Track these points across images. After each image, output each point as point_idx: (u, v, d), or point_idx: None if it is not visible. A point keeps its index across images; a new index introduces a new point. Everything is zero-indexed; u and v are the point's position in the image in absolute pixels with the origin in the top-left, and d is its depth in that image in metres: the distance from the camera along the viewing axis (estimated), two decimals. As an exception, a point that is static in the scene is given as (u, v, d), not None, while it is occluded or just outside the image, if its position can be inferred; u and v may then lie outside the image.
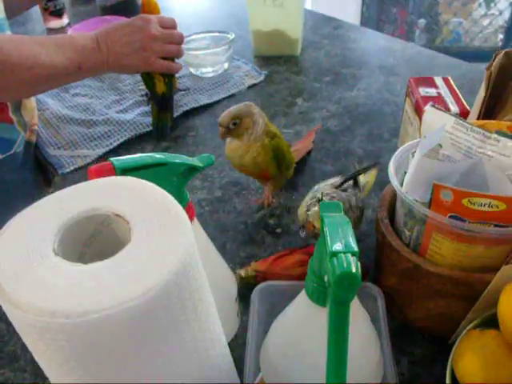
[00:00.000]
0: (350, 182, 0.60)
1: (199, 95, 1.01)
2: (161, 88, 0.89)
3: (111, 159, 0.40)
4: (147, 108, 0.96)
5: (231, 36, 1.06)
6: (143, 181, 0.36)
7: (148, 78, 0.90)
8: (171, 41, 0.87)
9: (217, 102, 0.99)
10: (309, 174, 0.78)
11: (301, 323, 0.38)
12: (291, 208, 0.73)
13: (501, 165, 0.47)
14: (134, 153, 0.84)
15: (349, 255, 0.28)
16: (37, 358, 0.32)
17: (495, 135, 0.47)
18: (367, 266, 0.60)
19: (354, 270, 0.27)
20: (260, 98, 1.00)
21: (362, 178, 0.63)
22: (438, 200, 0.45)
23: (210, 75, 1.07)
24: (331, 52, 1.14)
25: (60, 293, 0.29)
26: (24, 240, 0.32)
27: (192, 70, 1.08)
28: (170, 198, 0.34)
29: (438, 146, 0.52)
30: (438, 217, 0.46)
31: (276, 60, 1.12)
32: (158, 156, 0.42)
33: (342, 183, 0.58)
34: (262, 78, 1.05)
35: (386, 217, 0.54)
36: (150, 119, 0.93)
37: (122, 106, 0.99)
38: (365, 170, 0.62)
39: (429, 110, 0.52)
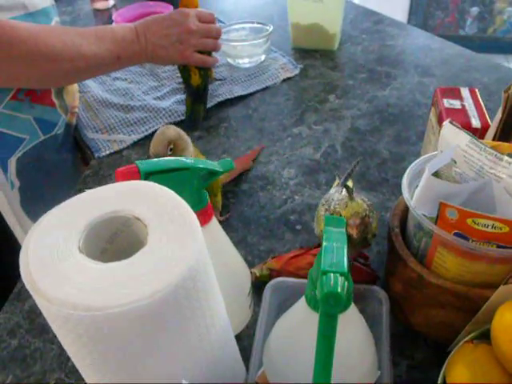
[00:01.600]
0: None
1: (234, 86, 1.03)
2: (196, 81, 0.93)
3: (137, 162, 0.43)
4: (183, 96, 1.00)
5: (270, 28, 1.07)
6: (163, 187, 0.40)
7: (184, 70, 0.93)
8: (208, 35, 0.90)
9: (251, 94, 1.02)
10: (332, 172, 0.80)
11: (299, 326, 0.41)
12: (312, 205, 0.75)
13: (510, 187, 0.48)
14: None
15: (337, 275, 0.31)
16: (60, 340, 0.37)
17: (507, 158, 0.48)
18: (377, 271, 0.62)
19: (339, 290, 0.30)
20: (293, 92, 1.02)
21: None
22: (444, 217, 0.47)
23: (247, 66, 1.09)
24: (369, 48, 1.14)
25: (81, 288, 0.33)
26: (53, 237, 0.36)
27: (229, 60, 1.10)
28: (185, 206, 0.38)
29: (452, 162, 0.53)
30: (443, 233, 0.48)
31: (313, 54, 1.13)
32: (179, 160, 0.45)
33: (343, 186, 0.60)
34: (297, 71, 1.07)
35: (397, 226, 0.56)
36: (184, 108, 0.96)
37: (160, 92, 1.03)
38: (352, 171, 0.63)
39: (446, 125, 0.53)
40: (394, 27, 1.23)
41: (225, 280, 0.53)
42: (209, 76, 0.97)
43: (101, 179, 0.83)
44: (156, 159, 0.45)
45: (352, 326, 0.41)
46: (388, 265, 0.60)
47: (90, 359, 0.36)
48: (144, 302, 0.32)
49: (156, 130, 0.91)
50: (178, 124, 0.94)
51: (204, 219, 0.49)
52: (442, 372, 0.47)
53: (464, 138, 0.51)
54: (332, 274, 0.31)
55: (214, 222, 0.51)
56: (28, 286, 0.33)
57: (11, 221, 0.84)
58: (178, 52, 0.88)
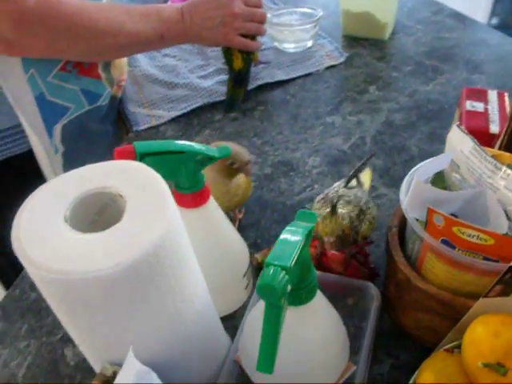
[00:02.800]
0: (354, 180, 0.62)
1: (277, 70, 1.04)
2: (238, 64, 0.94)
3: (134, 143, 0.46)
4: (226, 77, 1.02)
5: (319, 14, 1.07)
6: (149, 168, 0.42)
7: (227, 53, 0.95)
8: (253, 19, 0.92)
9: (292, 80, 1.02)
10: (355, 164, 0.80)
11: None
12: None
13: (505, 199, 0.47)
14: (204, 119, 0.92)
15: (278, 269, 0.32)
16: (46, 300, 0.41)
17: (506, 168, 0.47)
18: (378, 269, 0.63)
19: (274, 284, 0.31)
20: (334, 80, 1.01)
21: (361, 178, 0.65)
22: (432, 223, 0.47)
23: (292, 51, 1.09)
24: (421, 39, 1.11)
25: (57, 254, 0.36)
26: (44, 207, 0.39)
27: (276, 43, 1.11)
28: (163, 187, 0.40)
29: (456, 166, 0.53)
30: (430, 239, 0.47)
31: (362, 42, 1.12)
32: (176, 144, 0.48)
33: (348, 182, 0.60)
34: (342, 59, 1.06)
35: (396, 226, 0.56)
36: (225, 88, 0.98)
37: (205, 71, 1.06)
38: (364, 165, 0.63)
39: (454, 129, 0.52)
40: (452, 19, 1.18)
41: (218, 260, 0.56)
42: (252, 60, 0.98)
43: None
44: (153, 141, 0.47)
45: (315, 318, 0.43)
46: (386, 265, 0.60)
47: (65, 318, 0.41)
48: (105, 272, 0.35)
49: (194, 109, 0.95)
50: (217, 103, 0.97)
51: (199, 201, 0.51)
52: (413, 376, 0.48)
53: (468, 143, 0.50)
54: (273, 267, 0.32)
55: (212, 204, 0.53)
56: (16, 250, 0.37)
57: None
58: (221, 34, 0.90)
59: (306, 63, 1.06)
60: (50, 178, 0.91)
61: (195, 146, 0.48)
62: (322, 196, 0.57)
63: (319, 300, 0.42)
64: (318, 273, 0.58)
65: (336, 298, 0.60)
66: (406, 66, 1.03)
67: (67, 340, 0.61)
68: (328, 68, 1.05)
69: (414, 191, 0.48)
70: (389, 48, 1.10)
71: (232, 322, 0.60)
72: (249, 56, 0.96)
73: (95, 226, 0.43)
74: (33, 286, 0.67)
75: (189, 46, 1.15)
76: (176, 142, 0.48)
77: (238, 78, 0.96)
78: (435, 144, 0.83)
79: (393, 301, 0.57)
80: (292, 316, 0.40)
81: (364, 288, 0.58)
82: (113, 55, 0.89)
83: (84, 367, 0.58)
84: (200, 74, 1.05)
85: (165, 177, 0.49)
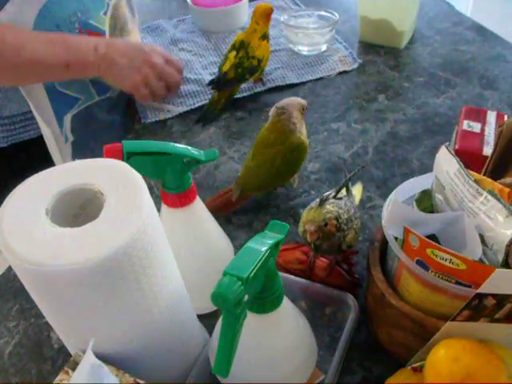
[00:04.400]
0: (343, 191, 0.62)
1: (289, 72, 1.04)
2: (230, 74, 0.93)
3: (123, 142, 0.48)
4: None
5: (336, 18, 1.07)
6: (131, 168, 0.44)
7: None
8: (166, 79, 0.90)
9: (302, 83, 1.03)
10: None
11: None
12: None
13: (484, 225, 0.47)
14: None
15: (234, 279, 0.33)
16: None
17: (487, 194, 0.47)
18: (362, 279, 0.63)
19: (227, 294, 0.32)
20: (345, 86, 1.01)
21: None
22: (408, 242, 0.47)
23: (306, 54, 1.09)
24: (437, 50, 1.10)
25: (34, 245, 0.38)
26: (28, 200, 0.41)
27: (291, 45, 1.11)
28: (141, 187, 0.42)
29: (442, 187, 0.53)
30: (405, 258, 0.48)
31: (377, 49, 1.11)
32: (163, 145, 0.49)
33: (337, 192, 0.61)
34: (355, 66, 1.06)
35: (378, 240, 0.56)
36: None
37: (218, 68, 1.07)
38: (353, 175, 0.63)
39: (442, 150, 0.52)
40: (472, 31, 1.16)
41: (202, 258, 0.57)
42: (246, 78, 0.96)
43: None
44: (142, 141, 0.49)
45: (281, 326, 0.44)
46: (366, 277, 0.61)
47: (40, 305, 0.42)
48: (76, 267, 0.37)
49: (202, 105, 0.96)
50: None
51: (185, 201, 0.53)
52: (379, 390, 0.49)
53: (454, 165, 0.51)
54: (229, 277, 0.33)
55: (198, 204, 0.55)
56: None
57: None
58: (131, 78, 0.85)
59: (319, 67, 1.06)
60: (59, 165, 0.94)
61: (182, 148, 0.50)
62: (313, 203, 0.58)
63: (285, 308, 0.43)
64: (300, 280, 0.59)
65: (315, 306, 0.61)
66: (418, 77, 1.03)
67: (53, 324, 0.63)
68: (340, 73, 1.05)
69: (392, 210, 0.49)
70: (404, 57, 1.09)
71: (213, 320, 0.61)
72: (245, 73, 0.94)
73: (77, 219, 0.45)
74: (27, 268, 0.70)
75: (206, 41, 1.16)
76: (164, 143, 0.49)
77: (225, 86, 0.95)
78: (437, 159, 0.83)
79: (371, 314, 0.58)
80: (256, 323, 0.41)
81: (343, 299, 0.59)
82: (9, 79, 0.81)
83: (67, 351, 0.60)
84: (213, 71, 1.06)
85: (151, 176, 0.51)
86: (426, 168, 0.81)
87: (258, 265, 0.36)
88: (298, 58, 1.09)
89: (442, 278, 0.47)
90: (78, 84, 0.88)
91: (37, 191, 0.42)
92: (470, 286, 0.46)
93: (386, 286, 0.52)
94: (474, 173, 0.50)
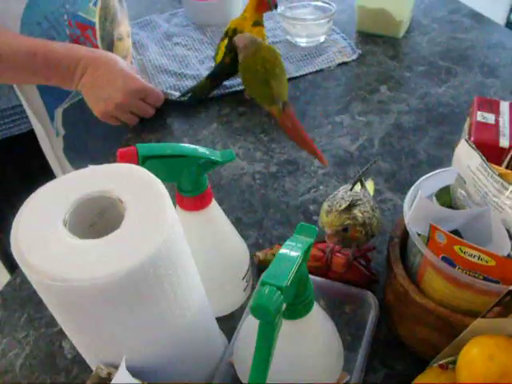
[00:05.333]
0: (358, 185, 0.61)
1: (288, 64, 1.03)
2: (227, 59, 0.93)
3: (137, 145, 0.46)
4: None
5: (333, 9, 1.05)
6: (151, 174, 0.42)
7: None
8: (137, 111, 0.88)
9: (302, 75, 1.01)
10: (361, 166, 0.79)
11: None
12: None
13: (510, 219, 0.46)
14: (211, 113, 0.91)
15: (274, 289, 0.32)
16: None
17: (512, 188, 0.46)
18: (378, 275, 0.63)
19: (268, 305, 0.31)
20: (345, 77, 1.00)
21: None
22: (434, 240, 0.46)
23: (304, 45, 1.08)
24: (436, 39, 1.09)
25: (53, 259, 0.36)
26: (43, 210, 0.39)
27: (288, 37, 1.09)
28: (163, 196, 0.40)
29: (462, 181, 0.52)
30: (430, 255, 0.47)
31: (376, 39, 1.10)
32: (179, 147, 0.47)
33: (353, 186, 0.60)
34: (354, 57, 1.04)
35: (398, 236, 0.56)
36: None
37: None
38: (367, 169, 0.62)
39: (462, 143, 0.51)
40: (469, 18, 1.15)
41: (218, 262, 0.56)
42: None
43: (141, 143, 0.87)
44: (156, 144, 0.47)
45: (311, 332, 0.43)
46: (386, 273, 0.60)
47: (61, 320, 0.41)
48: (101, 281, 0.35)
49: (202, 102, 0.94)
50: (225, 97, 0.96)
51: (201, 204, 0.51)
52: (407, 390, 0.48)
53: (476, 159, 0.50)
54: (268, 287, 0.32)
55: (214, 207, 0.53)
56: (15, 253, 0.37)
57: (54, 165, 0.92)
58: (100, 108, 0.84)
59: (318, 59, 1.04)
60: (50, 159, 0.92)
61: (198, 149, 0.48)
62: (331, 196, 0.57)
63: (315, 313, 0.42)
64: (318, 279, 0.58)
65: (334, 305, 0.60)
66: (418, 66, 1.02)
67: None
68: (340, 65, 1.03)
69: (417, 207, 0.48)
70: (402, 46, 1.08)
71: (230, 323, 0.60)
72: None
73: (94, 228, 0.43)
74: (34, 276, 0.68)
75: (201, 35, 1.14)
76: (179, 145, 0.48)
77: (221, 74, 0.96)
78: (444, 149, 0.82)
79: (391, 310, 0.57)
80: (287, 329, 0.40)
81: (363, 296, 0.58)
82: None
83: (81, 361, 0.58)
84: (210, 65, 1.04)
85: (167, 180, 0.49)
86: (434, 159, 0.81)
87: (294, 272, 0.34)
88: (297, 49, 1.07)
89: (468, 275, 0.46)
90: None
91: (52, 200, 0.40)
92: (498, 282, 0.45)
93: (408, 282, 0.51)
94: (498, 166, 0.49)
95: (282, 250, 0.36)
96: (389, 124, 0.88)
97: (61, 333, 0.62)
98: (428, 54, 1.05)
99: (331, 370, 0.46)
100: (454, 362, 0.48)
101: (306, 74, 1.01)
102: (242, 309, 0.62)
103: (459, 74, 0.99)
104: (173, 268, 0.40)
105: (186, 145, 0.48)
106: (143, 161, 0.46)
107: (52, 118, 0.87)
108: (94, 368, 0.48)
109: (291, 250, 0.36)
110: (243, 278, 0.59)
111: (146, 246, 0.36)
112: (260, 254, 0.65)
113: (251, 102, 0.95)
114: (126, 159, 0.45)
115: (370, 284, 0.61)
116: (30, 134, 0.89)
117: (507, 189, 0.47)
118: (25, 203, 0.40)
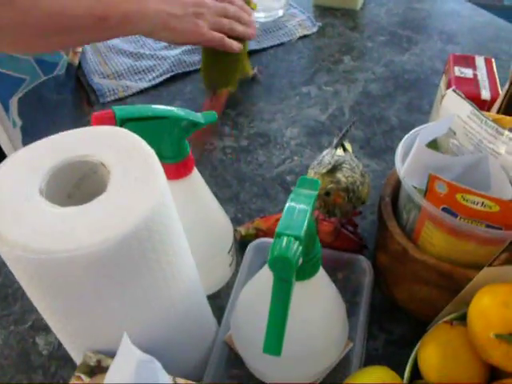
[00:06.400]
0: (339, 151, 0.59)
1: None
2: None
3: (113, 107, 0.42)
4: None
5: (289, -18, 1.03)
6: (133, 134, 0.38)
7: None
8: (227, 15, 0.77)
9: (264, 50, 0.98)
10: (334, 135, 0.77)
11: (263, 290, 0.40)
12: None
13: (507, 164, 0.45)
14: (174, 91, 0.86)
15: (291, 239, 0.29)
16: (19, 282, 0.36)
17: (508, 133, 0.45)
18: (366, 240, 0.61)
19: (288, 255, 0.28)
20: (308, 50, 0.98)
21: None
22: (433, 190, 0.45)
23: (262, 20, 1.05)
24: (393, 10, 1.09)
25: (34, 230, 0.32)
26: (16, 178, 0.35)
27: (246, 12, 1.06)
28: (151, 155, 0.36)
29: (452, 132, 0.50)
30: (431, 207, 0.45)
31: (333, 12, 1.08)
32: (159, 109, 0.43)
33: (336, 148, 0.57)
34: (315, 29, 1.02)
35: (388, 195, 0.54)
36: (193, 58, 0.93)
37: (171, 41, 1.00)
38: (347, 131, 0.60)
39: (449, 94, 0.50)
40: (423, -11, 1.16)
41: (203, 235, 0.52)
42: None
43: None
44: (133, 106, 0.43)
45: (319, 294, 0.40)
46: (377, 235, 0.58)
47: (44, 302, 0.36)
48: (91, 250, 0.31)
49: (164, 80, 0.89)
50: (187, 74, 0.92)
51: (184, 171, 0.48)
52: (414, 350, 0.46)
53: (466, 108, 0.48)
54: (285, 238, 0.29)
55: (196, 175, 0.50)
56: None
57: None
58: (193, 25, 0.72)
59: (278, 33, 1.01)
60: (10, 154, 0.85)
61: (179, 111, 0.44)
62: (316, 162, 0.54)
63: (321, 274, 0.40)
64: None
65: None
66: (379, 36, 1.01)
67: (38, 328, 0.56)
68: (300, 38, 1.01)
69: (415, 157, 0.46)
70: (361, 18, 1.07)
71: (217, 302, 0.56)
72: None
73: (72, 200, 0.39)
74: (-4, 271, 0.62)
75: (153, 14, 1.08)
76: (159, 106, 0.44)
77: None
78: (414, 114, 0.81)
79: (385, 273, 0.55)
80: (296, 292, 0.37)
81: (355, 261, 0.56)
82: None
83: (58, 356, 0.54)
84: (166, 45, 0.99)
85: (147, 146, 0.45)
86: (406, 124, 0.80)
87: (307, 223, 0.31)
88: (256, 25, 1.04)
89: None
90: (21, 63, 0.79)
91: (24, 169, 0.35)
92: (500, 229, 0.44)
93: (406, 240, 0.49)
94: (490, 113, 0.48)
95: (290, 204, 0.33)
96: (357, 92, 0.86)
97: (33, 328, 0.56)
98: (387, 25, 1.04)
99: (340, 337, 0.44)
100: (458, 318, 0.47)
101: (268, 48, 0.98)
102: (227, 287, 0.59)
103: (420, 42, 0.99)
104: (166, 234, 0.36)
105: (165, 106, 0.44)
106: (121, 124, 0.41)
107: (7, 109, 0.80)
108: (76, 358, 0.44)
109: (299, 203, 0.33)
110: (228, 252, 0.56)
111: (138, 209, 0.33)
112: (242, 229, 0.62)
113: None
114: (101, 123, 0.41)
115: (360, 250, 0.59)
116: None
117: (502, 134, 0.45)
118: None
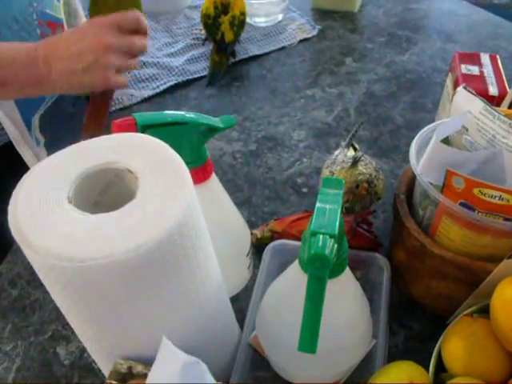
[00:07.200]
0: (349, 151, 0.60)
1: (250, 45, 1.00)
2: (229, 37, 0.93)
3: (134, 114, 0.42)
4: (196, 53, 0.98)
5: (288, -14, 1.04)
6: (157, 140, 0.38)
7: (214, 27, 0.92)
8: (131, 51, 0.68)
9: (266, 54, 0.99)
10: (343, 136, 0.78)
11: (291, 289, 0.40)
12: (320, 169, 0.73)
13: (522, 157, 0.46)
14: (179, 98, 0.87)
15: (327, 237, 0.30)
16: (49, 291, 0.36)
17: (521, 127, 0.46)
18: (380, 238, 0.61)
19: (326, 252, 0.29)
20: (309, 53, 0.99)
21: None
22: (451, 186, 0.45)
23: (263, 25, 1.06)
24: (391, 11, 1.10)
25: (66, 238, 0.32)
26: (43, 187, 0.35)
27: (247, 18, 1.07)
28: (177, 160, 0.37)
29: (464, 129, 0.51)
30: (448, 202, 0.46)
31: (332, 15, 1.09)
32: (179, 115, 0.44)
33: (348, 146, 0.58)
34: (315, 32, 1.03)
35: (403, 192, 0.54)
36: (197, 66, 0.94)
37: (173, 48, 1.01)
38: (356, 131, 0.60)
39: (460, 91, 0.51)
40: (419, -11, 1.17)
41: (223, 239, 0.52)
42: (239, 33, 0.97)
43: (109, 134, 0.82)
44: (153, 113, 0.43)
45: (346, 292, 0.40)
46: (392, 233, 0.58)
47: (74, 310, 0.36)
48: (127, 255, 0.31)
49: (168, 88, 0.90)
50: (190, 82, 0.93)
51: (203, 176, 0.48)
52: (438, 344, 0.46)
53: (478, 104, 0.49)
54: (321, 236, 0.29)
55: (214, 179, 0.50)
56: (15, 235, 0.32)
57: None
58: (98, 75, 0.65)
59: (279, 37, 1.02)
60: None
61: (198, 116, 0.45)
62: (329, 161, 0.54)
63: (348, 272, 0.40)
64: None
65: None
66: (379, 37, 1.02)
67: (59, 337, 0.56)
68: (301, 41, 1.02)
69: (431, 153, 0.46)
70: (360, 20, 1.08)
71: (237, 304, 0.57)
72: (239, 28, 0.95)
73: (99, 207, 0.39)
74: (13, 283, 0.62)
75: (155, 23, 1.09)
76: (178, 112, 0.44)
77: (228, 50, 0.95)
78: (419, 113, 0.82)
79: (401, 270, 0.56)
80: (326, 290, 0.37)
81: (372, 260, 0.57)
82: None
83: (81, 365, 0.54)
84: (169, 51, 1.00)
85: (167, 151, 0.45)
86: (411, 123, 0.80)
87: (338, 221, 0.32)
88: (256, 30, 1.05)
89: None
90: None
91: (51, 177, 0.36)
92: (518, 222, 0.45)
93: (424, 236, 0.50)
94: (503, 108, 0.48)
95: (319, 204, 0.34)
96: (361, 93, 0.87)
97: (53, 338, 0.56)
98: (386, 26, 1.05)
99: (366, 333, 0.44)
100: (477, 311, 0.47)
101: (269, 53, 0.99)
102: (246, 290, 0.59)
103: (419, 41, 1.00)
104: (196, 238, 0.36)
105: (184, 112, 0.45)
106: (142, 131, 0.42)
107: (29, 128, 0.79)
108: (103, 367, 0.44)
109: (327, 203, 0.34)
110: (247, 255, 0.56)
111: (171, 214, 0.33)
112: (257, 232, 0.62)
113: (218, 84, 0.92)
114: (123, 130, 0.41)
115: (376, 248, 0.60)
116: (10, 147, 0.78)
117: (516, 128, 0.46)
118: (20, 182, 0.35)
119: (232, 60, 0.97)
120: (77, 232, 0.32)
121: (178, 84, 0.92)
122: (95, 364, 0.53)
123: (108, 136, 0.39)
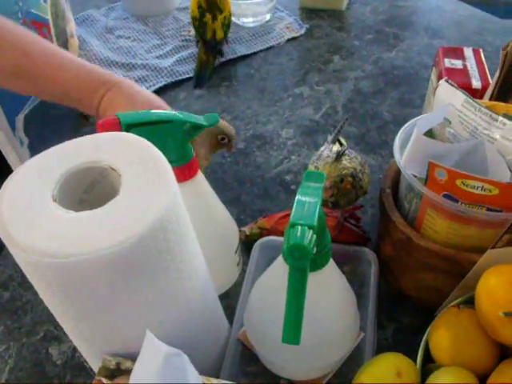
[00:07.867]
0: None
1: (238, 45, 1.01)
2: (220, 35, 0.95)
3: (118, 114, 0.43)
4: (185, 54, 0.98)
5: (275, -14, 1.04)
6: (141, 138, 0.39)
7: (200, 23, 0.94)
8: None
9: (254, 54, 1.00)
10: (329, 133, 0.78)
11: (276, 283, 0.41)
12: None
13: (503, 149, 0.46)
14: (167, 99, 0.87)
15: (305, 228, 0.30)
16: (36, 289, 0.37)
17: (502, 118, 0.46)
18: (368, 233, 0.62)
19: (305, 243, 0.29)
20: (297, 52, 0.99)
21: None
22: (434, 178, 0.46)
23: (251, 25, 1.06)
24: (378, 8, 1.11)
25: (50, 236, 0.32)
26: (28, 185, 0.35)
27: (234, 18, 1.07)
28: (160, 157, 0.37)
29: (447, 121, 0.52)
30: (432, 194, 0.46)
31: (320, 14, 1.10)
32: (163, 113, 0.44)
33: (333, 142, 0.58)
34: (302, 31, 1.04)
35: (389, 186, 0.55)
36: (186, 67, 0.95)
37: (162, 50, 1.01)
38: (341, 127, 0.61)
39: (442, 84, 0.51)
40: (406, -13, 1.18)
41: (210, 236, 0.53)
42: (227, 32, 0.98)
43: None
44: (137, 112, 0.44)
45: (330, 284, 0.41)
46: (379, 227, 0.59)
47: (61, 307, 0.37)
48: (110, 251, 0.31)
49: (157, 89, 0.91)
50: (179, 83, 0.93)
51: (189, 173, 0.48)
52: (425, 335, 0.47)
53: (459, 97, 0.50)
54: (300, 227, 0.30)
55: (200, 177, 0.50)
56: (0, 233, 0.33)
57: None
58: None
59: (267, 36, 1.03)
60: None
61: (182, 114, 0.45)
62: (315, 157, 0.55)
63: (332, 265, 0.41)
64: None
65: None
66: (366, 35, 1.02)
67: (51, 338, 0.56)
68: (289, 40, 1.02)
69: (413, 146, 0.47)
70: (347, 18, 1.09)
71: (226, 301, 0.57)
72: (227, 27, 0.96)
73: (84, 206, 0.39)
74: (5, 285, 0.62)
75: (143, 25, 1.09)
76: (162, 111, 0.45)
77: (217, 48, 0.96)
78: (406, 109, 0.83)
79: (390, 263, 0.56)
80: (309, 283, 0.37)
81: (360, 254, 0.57)
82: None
83: (73, 365, 0.54)
84: (158, 53, 1.00)
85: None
86: (399, 118, 0.81)
87: (317, 213, 0.32)
88: (244, 30, 1.05)
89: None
90: None
91: (36, 176, 0.36)
92: (500, 212, 0.45)
93: (410, 229, 0.51)
94: (484, 100, 0.49)
95: (299, 197, 0.34)
96: (349, 90, 0.88)
97: (46, 339, 0.57)
98: (373, 23, 1.06)
99: (353, 326, 0.44)
100: (464, 302, 0.48)
101: (257, 52, 1.00)
102: (236, 286, 0.59)
103: (406, 38, 1.01)
104: (180, 234, 0.37)
105: (168, 111, 0.45)
106: (126, 130, 0.42)
107: (13, 128, 0.79)
108: (93, 364, 0.44)
109: (307, 196, 0.34)
110: (235, 252, 0.57)
111: (153, 210, 0.33)
112: (246, 229, 0.63)
113: (207, 84, 0.93)
114: (108, 129, 0.42)
115: (364, 242, 0.60)
116: None
117: (496, 119, 0.47)
118: (5, 182, 0.36)
119: (220, 60, 0.97)
120: (61, 229, 0.33)
121: (167, 85, 0.92)
122: (87, 363, 0.53)
123: (92, 135, 0.39)
